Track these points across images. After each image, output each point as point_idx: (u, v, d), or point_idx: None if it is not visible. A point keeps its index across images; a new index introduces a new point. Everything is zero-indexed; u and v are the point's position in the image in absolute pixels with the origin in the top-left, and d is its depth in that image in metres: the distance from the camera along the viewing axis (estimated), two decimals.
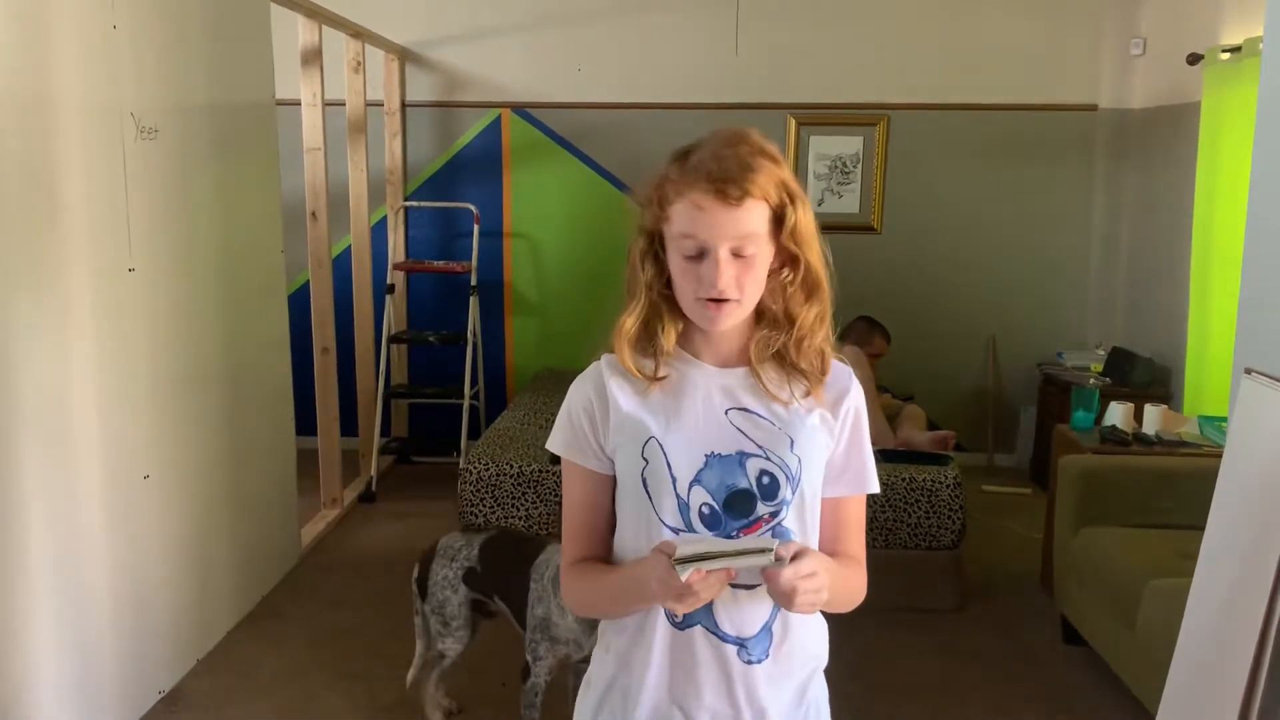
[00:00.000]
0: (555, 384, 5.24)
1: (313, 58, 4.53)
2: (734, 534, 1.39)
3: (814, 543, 1.45)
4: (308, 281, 4.78)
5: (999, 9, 5.50)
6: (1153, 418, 3.96)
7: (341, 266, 5.30)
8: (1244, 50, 4.18)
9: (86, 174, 2.74)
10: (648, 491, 1.41)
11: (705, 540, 1.36)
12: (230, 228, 3.62)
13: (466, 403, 5.38)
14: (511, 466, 3.97)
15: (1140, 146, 5.45)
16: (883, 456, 4.15)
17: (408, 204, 5.77)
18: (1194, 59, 4.60)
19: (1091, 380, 5.02)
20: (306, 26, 4.49)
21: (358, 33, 5.06)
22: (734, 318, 1.40)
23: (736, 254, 1.36)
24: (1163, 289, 5.11)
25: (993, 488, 5.38)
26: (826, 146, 5.73)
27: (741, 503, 1.39)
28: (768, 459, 1.40)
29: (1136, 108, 5.46)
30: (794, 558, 1.28)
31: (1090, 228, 5.67)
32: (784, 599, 1.30)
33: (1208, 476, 3.33)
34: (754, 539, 1.37)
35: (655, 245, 1.42)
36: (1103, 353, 5.43)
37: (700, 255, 1.36)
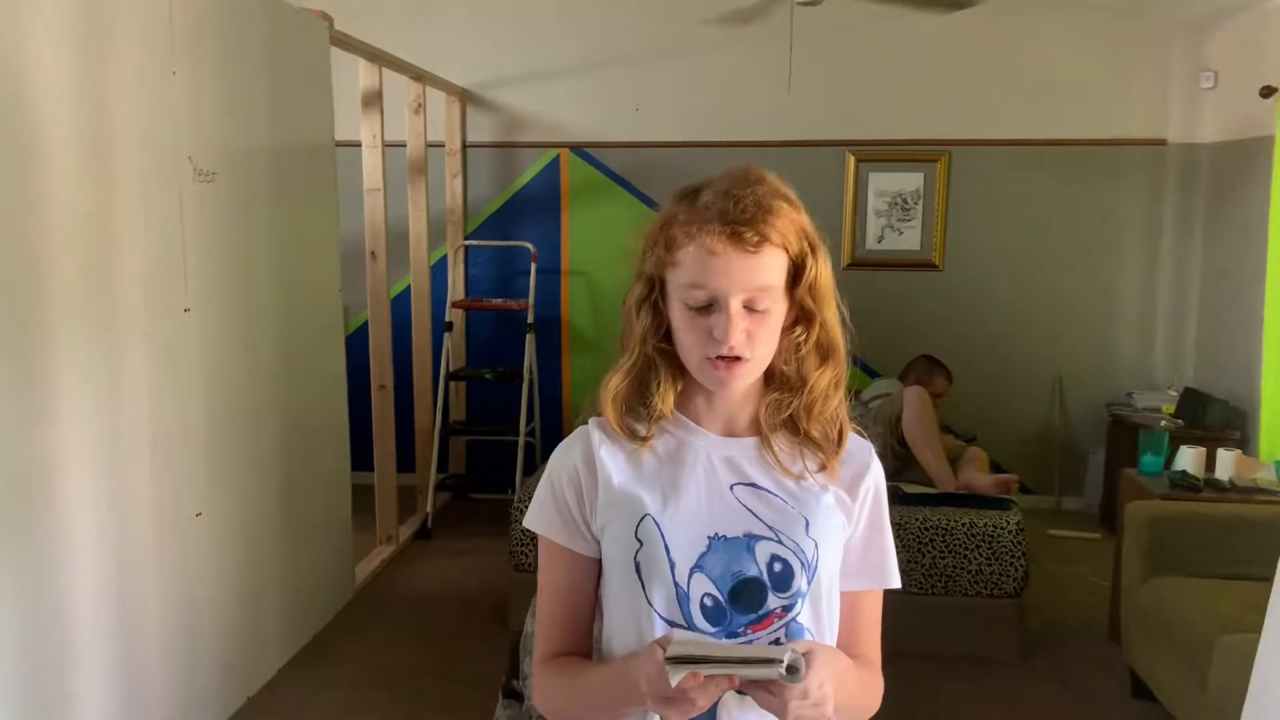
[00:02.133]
0: None
1: (373, 100, 4.60)
2: (741, 630, 1.21)
3: (832, 641, 1.27)
4: (367, 321, 4.83)
5: (1062, 41, 5.41)
6: (1226, 463, 3.80)
7: (401, 305, 5.36)
8: None
9: (143, 215, 2.80)
10: (641, 578, 1.23)
11: (706, 642, 1.18)
12: (288, 267, 3.67)
13: (522, 439, 5.39)
14: None
15: (1211, 181, 5.29)
16: (944, 500, 4.07)
17: (467, 243, 5.82)
18: (1267, 92, 4.46)
19: (1162, 422, 4.86)
20: (367, 70, 4.57)
21: (419, 75, 5.14)
22: (745, 379, 1.24)
23: (749, 307, 1.20)
24: (1237, 328, 4.93)
25: (1059, 532, 5.22)
26: (886, 183, 5.66)
27: (750, 594, 1.21)
28: (780, 542, 1.23)
29: (1207, 142, 5.31)
30: (805, 656, 1.09)
31: (1159, 264, 5.51)
32: (780, 716, 1.12)
33: None
34: (763, 647, 1.17)
35: (655, 293, 1.26)
36: (1174, 394, 5.25)
37: (709, 307, 1.20)
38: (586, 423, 1.32)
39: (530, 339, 5.53)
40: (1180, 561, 3.38)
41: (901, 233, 5.68)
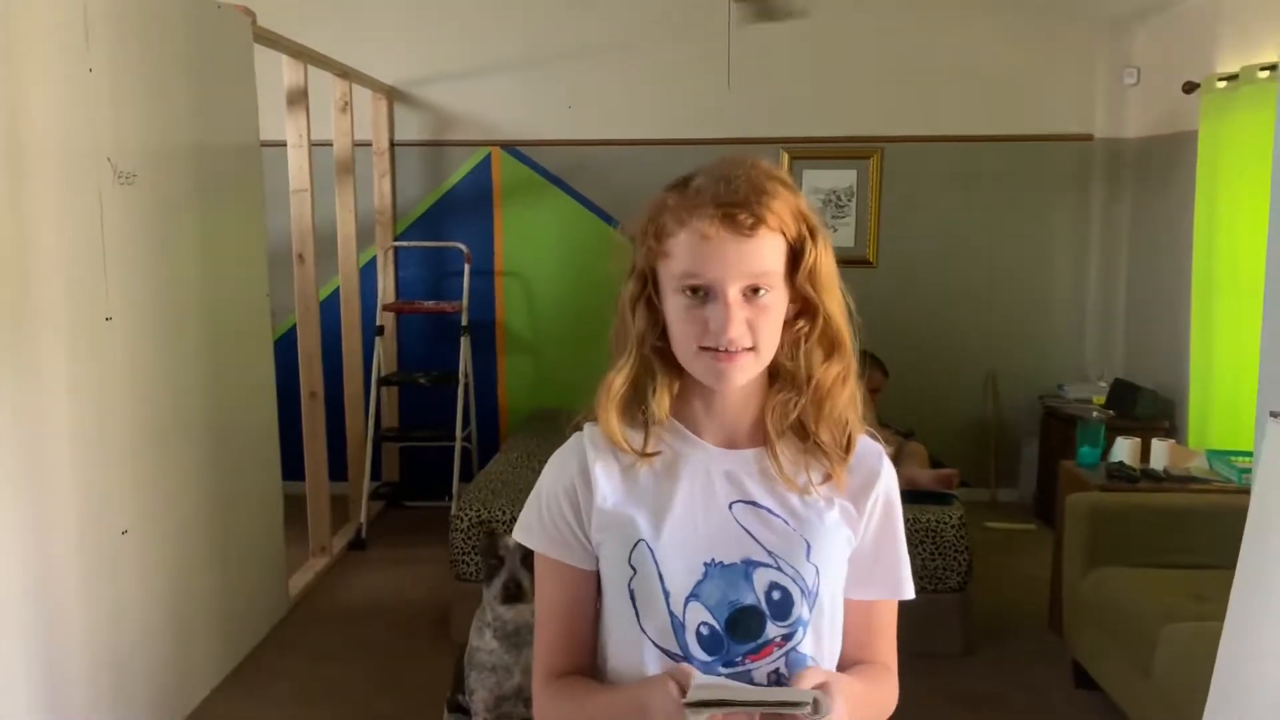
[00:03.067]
0: (548, 424, 5.13)
1: (298, 98, 4.46)
2: (739, 660, 1.16)
3: (833, 663, 1.22)
4: (295, 325, 4.68)
5: (990, 40, 5.47)
6: (1160, 453, 3.87)
7: (330, 309, 5.21)
8: (1241, 78, 4.13)
9: (61, 220, 2.66)
10: (635, 606, 1.17)
11: (729, 685, 1.11)
12: (213, 272, 3.53)
13: (458, 445, 5.28)
14: (504, 512, 3.86)
15: (1137, 176, 5.40)
16: None
17: (397, 244, 5.70)
18: (1190, 87, 4.55)
19: (1094, 414, 4.94)
20: (292, 67, 4.43)
21: (345, 73, 5.01)
22: (748, 372, 1.16)
23: (748, 296, 1.13)
24: (1164, 319, 5.04)
25: (996, 524, 5.28)
26: (821, 180, 5.67)
27: (748, 623, 1.15)
28: (779, 569, 1.17)
29: (1132, 137, 5.42)
30: (823, 687, 1.07)
31: (1089, 258, 5.61)
32: None
33: (1220, 514, 3.28)
34: (786, 690, 1.11)
35: (648, 289, 1.18)
36: (1104, 385, 5.35)
37: (705, 296, 1.12)
38: (580, 429, 1.24)
39: (465, 341, 5.43)
40: (1121, 552, 3.43)
41: (836, 229, 5.69)
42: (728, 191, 1.12)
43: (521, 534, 1.25)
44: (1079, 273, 5.62)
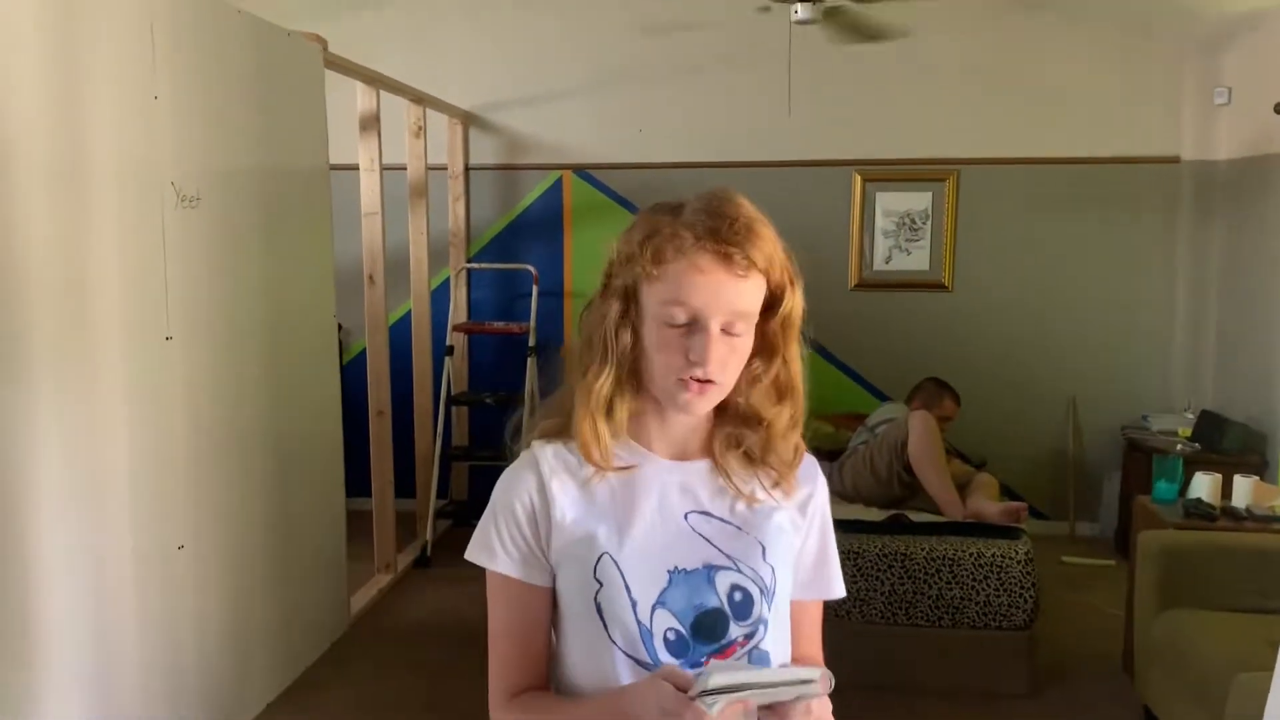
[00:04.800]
0: None
1: (371, 123, 4.55)
2: (703, 661, 1.20)
3: (786, 659, 1.29)
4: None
5: (1073, 58, 5.32)
6: (1243, 490, 3.68)
7: (402, 330, 5.31)
8: None
9: (122, 242, 2.74)
10: (602, 618, 1.20)
11: (742, 669, 1.14)
12: (278, 292, 3.61)
13: None
14: None
15: (1227, 199, 5.18)
16: (951, 529, 3.96)
17: (469, 265, 5.77)
18: None
19: (1179, 446, 4.73)
20: (365, 93, 4.53)
21: (419, 98, 5.10)
22: (711, 403, 1.21)
23: (726, 331, 1.17)
24: (1256, 348, 4.80)
25: (1073, 559, 5.09)
26: (894, 203, 5.57)
27: (712, 625, 1.20)
28: (739, 571, 1.22)
29: (1222, 159, 5.20)
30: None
31: (1176, 284, 5.39)
32: None
33: None
34: (794, 669, 1.14)
35: (630, 308, 1.21)
36: (1191, 416, 5.12)
37: (688, 327, 1.16)
38: (529, 446, 1.27)
39: (532, 362, 5.46)
40: (1195, 593, 3.26)
41: (910, 253, 5.59)
42: (728, 231, 1.16)
43: (479, 555, 1.26)
44: (1166, 299, 5.41)
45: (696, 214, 1.18)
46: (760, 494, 1.26)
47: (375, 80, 4.51)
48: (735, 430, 1.26)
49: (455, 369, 5.61)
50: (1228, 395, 5.10)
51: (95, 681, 2.67)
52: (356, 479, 4.37)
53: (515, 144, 5.74)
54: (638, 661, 1.19)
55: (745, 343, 1.20)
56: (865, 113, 5.48)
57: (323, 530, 4.03)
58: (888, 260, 5.56)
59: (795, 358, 1.25)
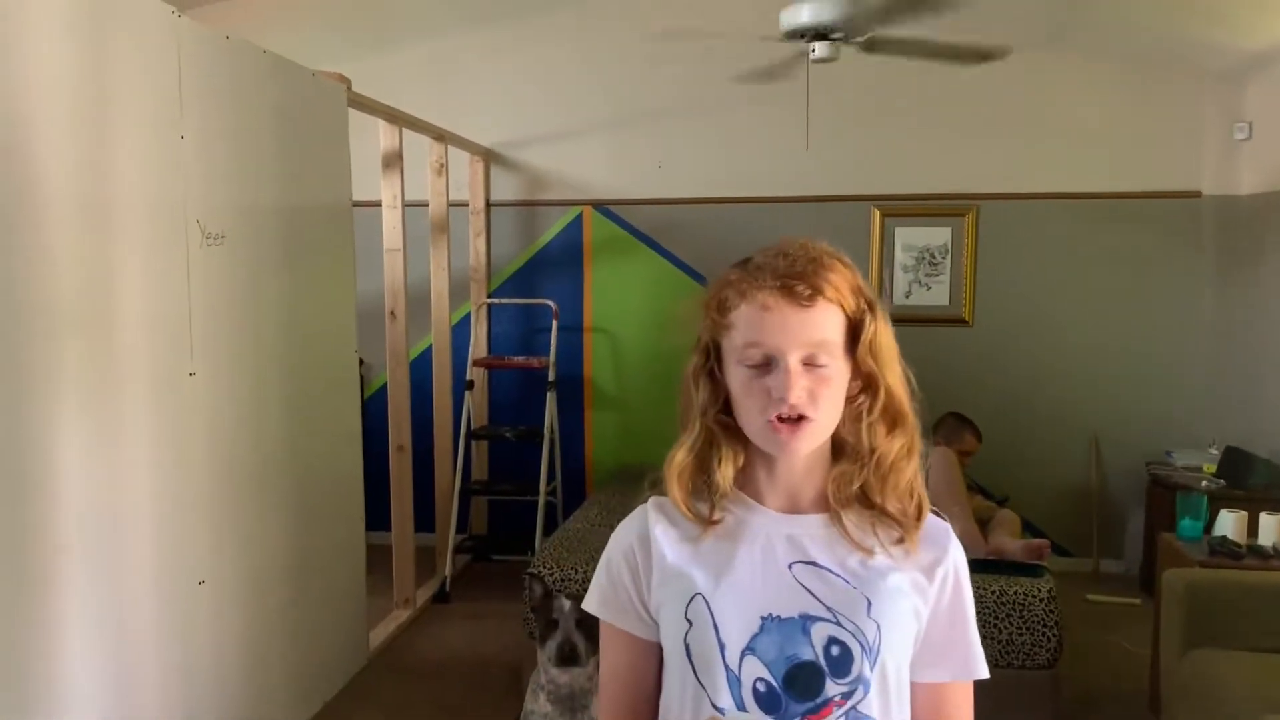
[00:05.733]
0: (634, 479, 5.05)
1: (393, 160, 4.61)
2: (798, 719, 1.15)
3: None
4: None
5: (1091, 92, 5.33)
6: (1269, 527, 3.64)
7: (423, 365, 5.34)
8: None
9: (147, 278, 2.78)
10: (691, 661, 1.18)
11: None
12: (300, 328, 3.65)
13: (542, 499, 5.30)
14: (576, 571, 3.84)
15: (1250, 234, 5.15)
16: (972, 566, 3.91)
17: (490, 300, 5.80)
18: None
19: (1204, 482, 4.68)
20: (388, 131, 4.58)
21: (440, 136, 5.15)
22: (810, 440, 1.18)
23: (809, 364, 1.16)
24: None
25: (1098, 597, 5.03)
26: (913, 237, 5.58)
27: (806, 680, 1.15)
28: (838, 624, 1.16)
29: (1244, 193, 5.18)
30: None
31: (1198, 318, 5.36)
32: None
33: None
34: None
35: (711, 362, 1.22)
36: (1216, 452, 5.07)
37: (767, 366, 1.16)
38: (646, 501, 1.28)
39: (551, 397, 5.47)
40: (1221, 632, 3.22)
41: (930, 288, 5.58)
42: (786, 265, 1.17)
43: (589, 601, 1.30)
44: (1189, 334, 5.37)
45: (760, 260, 1.20)
46: (878, 550, 1.20)
47: (398, 118, 4.57)
48: (848, 468, 1.22)
49: (475, 403, 5.63)
50: (1253, 431, 5.05)
51: (114, 715, 2.67)
52: (376, 513, 4.39)
53: (536, 180, 5.79)
54: (727, 712, 1.17)
55: (834, 373, 1.18)
56: (884, 148, 5.50)
57: (343, 564, 4.04)
58: (907, 295, 5.56)
59: (898, 384, 1.22)
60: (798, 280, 1.15)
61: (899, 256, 5.57)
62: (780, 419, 1.15)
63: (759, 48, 4.66)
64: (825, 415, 1.17)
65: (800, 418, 1.15)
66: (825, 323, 1.16)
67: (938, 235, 5.56)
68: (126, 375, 2.70)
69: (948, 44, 4.44)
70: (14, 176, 2.32)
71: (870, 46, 4.33)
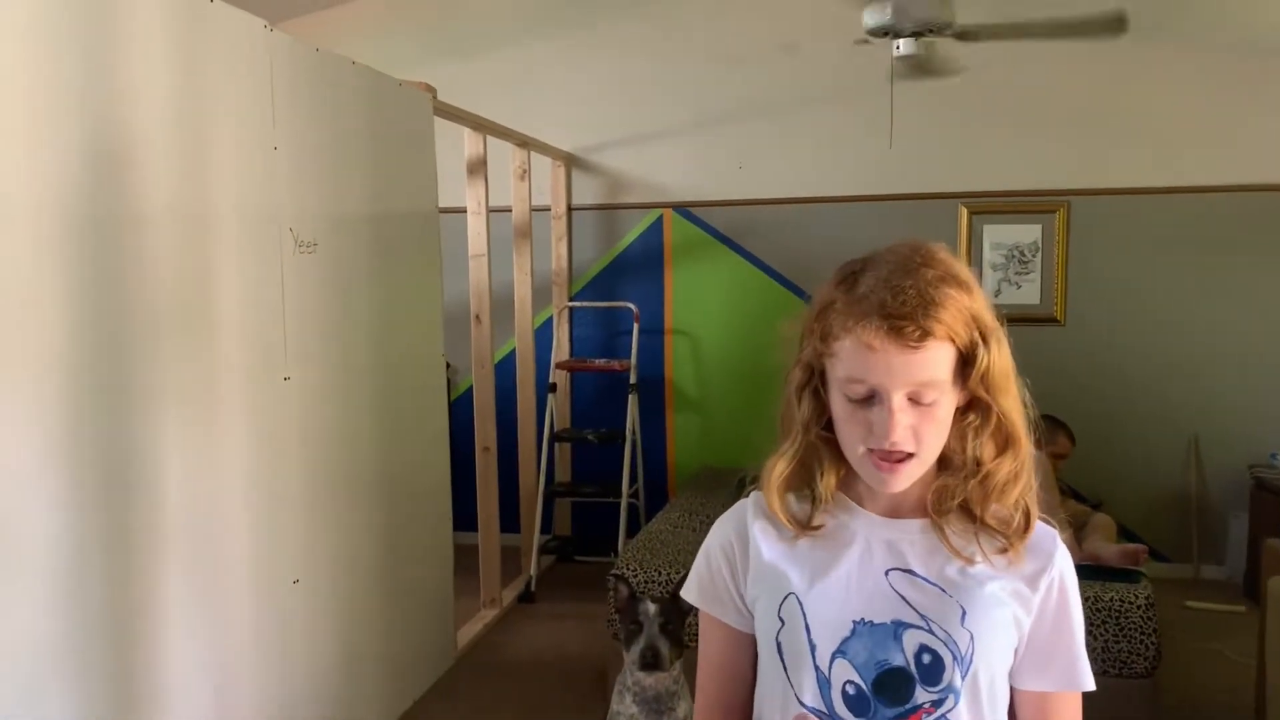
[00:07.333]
0: (715, 482, 5.12)
1: (478, 167, 4.67)
2: None
3: None
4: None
5: (1185, 84, 5.16)
6: None
7: (507, 368, 5.40)
8: None
9: (243, 286, 2.86)
10: (783, 659, 1.19)
11: None
12: (389, 332, 3.72)
13: (624, 501, 5.32)
14: (660, 574, 3.85)
15: None
16: None
17: (572, 304, 5.85)
18: None
19: None
20: (472, 138, 4.65)
21: (524, 142, 5.21)
22: (910, 477, 1.16)
23: (914, 400, 1.13)
24: None
25: (1198, 604, 4.86)
26: (1002, 235, 5.46)
27: (896, 685, 1.14)
28: (930, 632, 1.15)
29: None
30: None
31: None
32: None
33: None
34: None
35: (814, 379, 1.20)
36: None
37: (869, 400, 1.14)
38: (748, 496, 1.29)
39: (632, 399, 5.49)
40: None
41: (1020, 286, 5.46)
42: (895, 303, 1.11)
43: (687, 588, 1.31)
44: None
45: (867, 285, 1.14)
46: (979, 558, 1.18)
47: (482, 126, 4.63)
48: (951, 481, 1.19)
49: (558, 406, 5.68)
50: None
51: (210, 712, 2.75)
52: (463, 514, 4.46)
53: (616, 183, 5.81)
54: (815, 712, 1.17)
55: (942, 408, 1.15)
56: (969, 144, 5.40)
57: (430, 564, 4.11)
58: (997, 294, 5.44)
59: (1013, 409, 1.19)
60: (906, 321, 1.10)
61: (988, 255, 5.46)
62: (881, 455, 1.14)
63: (841, 44, 4.61)
64: (928, 449, 1.16)
65: (903, 456, 1.14)
66: (933, 362, 1.12)
67: (1028, 233, 5.43)
68: (223, 378, 2.79)
69: (1050, 20, 4.29)
70: (119, 184, 2.41)
71: (963, 36, 4.25)
